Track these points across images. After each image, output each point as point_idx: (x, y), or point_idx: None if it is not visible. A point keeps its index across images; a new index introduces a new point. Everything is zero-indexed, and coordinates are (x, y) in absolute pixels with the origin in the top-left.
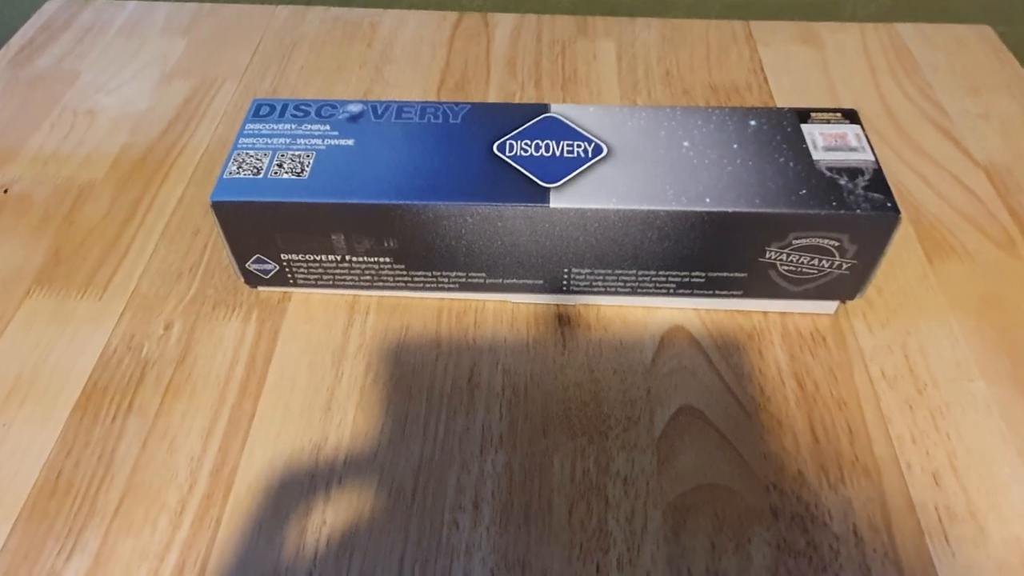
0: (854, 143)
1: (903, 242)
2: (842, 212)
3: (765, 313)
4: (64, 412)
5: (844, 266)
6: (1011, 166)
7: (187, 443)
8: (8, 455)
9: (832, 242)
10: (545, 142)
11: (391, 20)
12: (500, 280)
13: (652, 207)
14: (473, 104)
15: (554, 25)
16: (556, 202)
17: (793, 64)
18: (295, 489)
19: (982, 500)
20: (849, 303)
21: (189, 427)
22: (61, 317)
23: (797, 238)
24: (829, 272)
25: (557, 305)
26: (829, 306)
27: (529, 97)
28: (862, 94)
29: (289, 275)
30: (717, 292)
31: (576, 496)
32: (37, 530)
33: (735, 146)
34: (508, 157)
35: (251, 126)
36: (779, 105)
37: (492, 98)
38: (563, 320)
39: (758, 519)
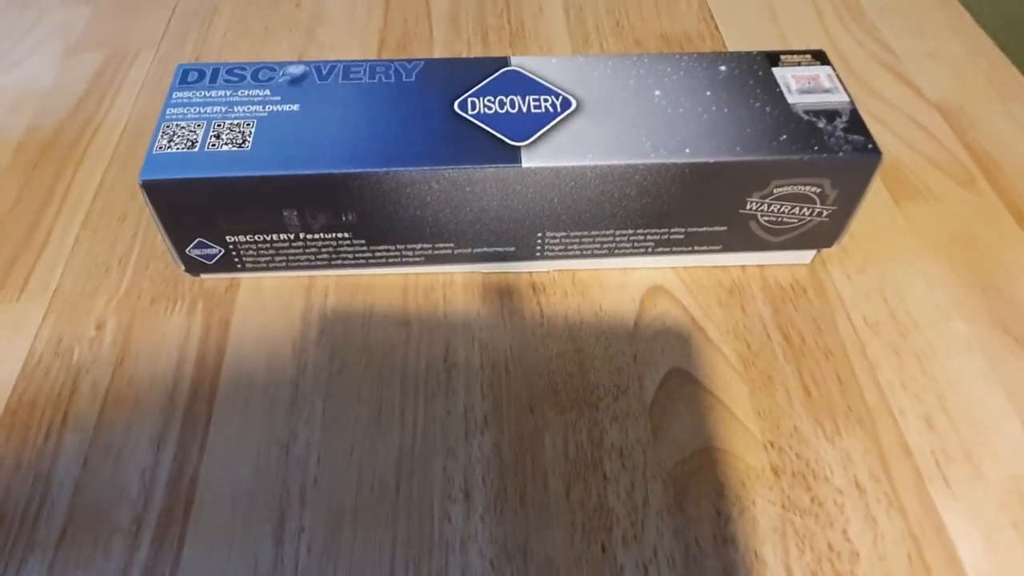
0: (827, 84)
1: (870, 186)
2: (825, 156)
3: (743, 267)
4: None
5: (824, 213)
6: (962, 104)
7: (136, 455)
8: None
9: (814, 188)
10: (509, 98)
11: None
12: (469, 250)
13: (631, 161)
14: (427, 60)
15: None
16: (528, 161)
17: (741, 11)
18: (266, 495)
19: (975, 440)
20: (824, 251)
21: (136, 438)
22: None
23: (779, 186)
24: (809, 220)
25: (530, 273)
26: (806, 256)
27: (477, 55)
28: (812, 38)
29: (236, 259)
30: (696, 248)
31: (572, 474)
32: None
33: (708, 93)
34: (471, 116)
35: (179, 94)
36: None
37: (436, 57)
38: (537, 288)
39: (760, 480)
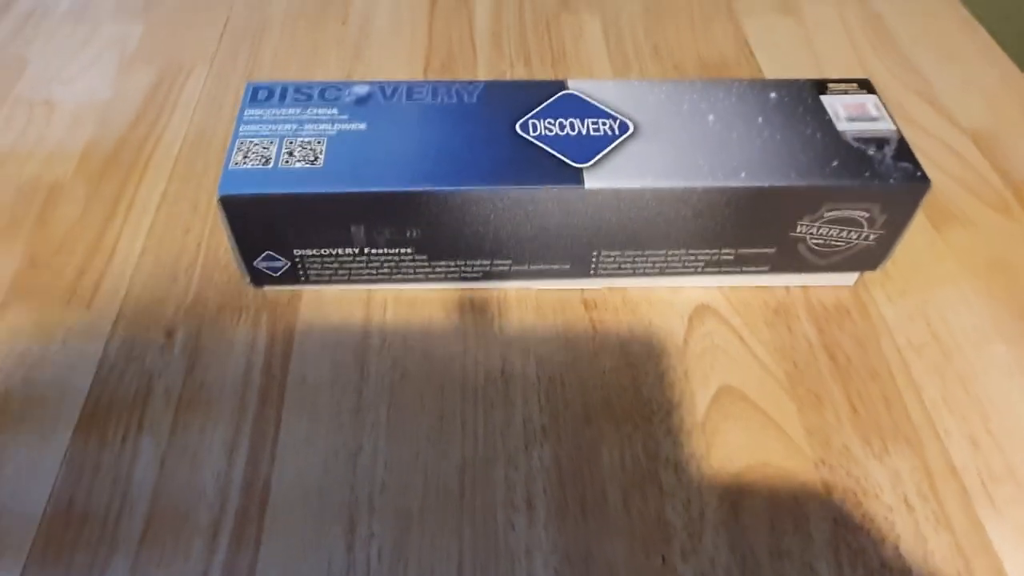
0: (874, 113)
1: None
2: (876, 183)
3: (787, 288)
4: (65, 435)
5: (872, 237)
6: (995, 131)
7: (210, 459)
8: (8, 486)
9: (863, 213)
10: (569, 120)
11: None
12: (526, 267)
13: (688, 184)
14: (487, 82)
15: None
16: (591, 183)
17: (776, 37)
18: (336, 499)
19: (1019, 459)
20: (867, 274)
21: (210, 441)
22: (46, 330)
23: (830, 210)
24: (856, 244)
25: (581, 290)
26: (849, 278)
27: (519, 76)
28: (846, 65)
29: (301, 272)
30: (744, 269)
31: (630, 485)
32: (54, 568)
33: (760, 119)
34: (533, 137)
35: (251, 112)
36: (768, 78)
37: (481, 77)
38: (589, 305)
39: (812, 495)
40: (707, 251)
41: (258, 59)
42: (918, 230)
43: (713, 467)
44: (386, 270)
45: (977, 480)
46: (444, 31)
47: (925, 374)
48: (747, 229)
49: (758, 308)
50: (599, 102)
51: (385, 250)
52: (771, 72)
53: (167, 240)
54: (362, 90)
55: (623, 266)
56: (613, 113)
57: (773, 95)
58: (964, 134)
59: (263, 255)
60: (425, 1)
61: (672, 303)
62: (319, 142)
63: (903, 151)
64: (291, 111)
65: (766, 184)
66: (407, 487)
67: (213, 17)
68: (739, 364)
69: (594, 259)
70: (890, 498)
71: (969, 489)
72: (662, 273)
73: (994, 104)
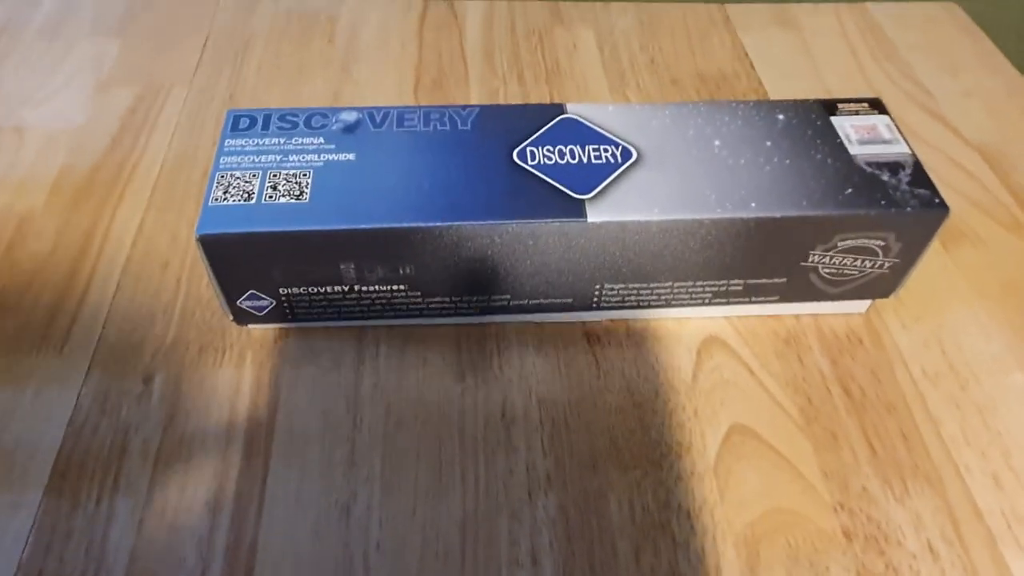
0: (887, 135)
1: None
2: (893, 211)
3: (797, 316)
4: (35, 496)
5: (886, 265)
6: (1002, 145)
7: (191, 520)
8: None
9: (878, 242)
10: (568, 147)
11: (350, 13)
12: (525, 301)
13: (696, 216)
14: (482, 107)
15: (526, 13)
16: (594, 216)
17: (776, 49)
18: (328, 562)
19: None
20: (878, 299)
21: (191, 501)
22: (15, 378)
23: (843, 239)
24: (870, 272)
25: (583, 322)
26: (861, 305)
27: (513, 93)
28: (848, 78)
29: (288, 310)
30: (754, 299)
31: (640, 537)
32: None
33: (768, 143)
34: (531, 166)
35: (231, 142)
36: (770, 92)
37: (474, 95)
38: (592, 339)
39: (832, 544)
40: (715, 282)
41: (241, 78)
42: (928, 251)
43: (727, 514)
44: (378, 307)
45: (1003, 522)
46: (434, 47)
47: (942, 406)
48: (757, 260)
49: (768, 338)
50: (600, 127)
51: (377, 287)
52: (772, 85)
53: (144, 276)
54: (350, 117)
55: (627, 299)
56: (615, 139)
57: (781, 117)
58: (970, 147)
59: (247, 294)
60: (414, 17)
61: (679, 336)
62: (305, 175)
63: (919, 176)
64: (274, 141)
65: (777, 215)
66: (404, 545)
67: (193, 34)
68: (750, 400)
69: (597, 293)
70: (914, 544)
71: (995, 532)
72: (668, 305)
73: (999, 115)
